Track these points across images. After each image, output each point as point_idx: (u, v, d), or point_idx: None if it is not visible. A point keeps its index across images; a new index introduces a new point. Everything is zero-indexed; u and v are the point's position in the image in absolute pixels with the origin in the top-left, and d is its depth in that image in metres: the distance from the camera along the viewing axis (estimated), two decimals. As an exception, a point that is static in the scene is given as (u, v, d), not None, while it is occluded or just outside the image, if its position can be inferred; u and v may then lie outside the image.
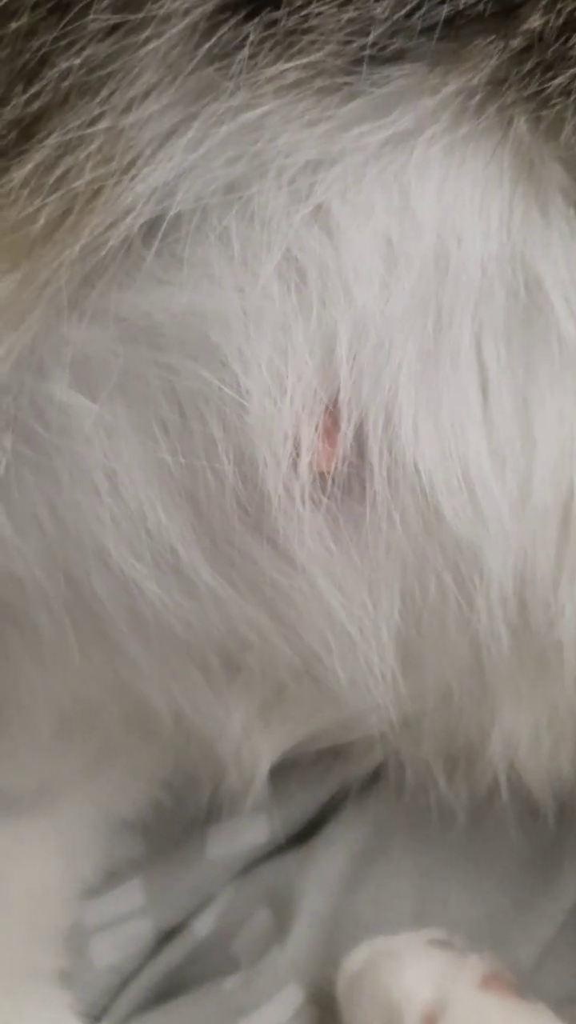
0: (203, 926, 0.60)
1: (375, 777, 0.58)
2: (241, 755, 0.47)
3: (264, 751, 0.48)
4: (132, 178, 0.35)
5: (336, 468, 0.38)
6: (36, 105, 0.35)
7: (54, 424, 0.39)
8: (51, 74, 0.34)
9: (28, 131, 0.35)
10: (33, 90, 0.35)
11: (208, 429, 0.38)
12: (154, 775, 0.58)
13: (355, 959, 0.52)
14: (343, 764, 0.57)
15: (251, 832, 0.60)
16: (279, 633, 0.42)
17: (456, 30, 0.35)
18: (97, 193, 0.35)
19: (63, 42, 0.34)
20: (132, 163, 0.35)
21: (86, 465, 0.38)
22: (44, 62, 0.35)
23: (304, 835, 0.60)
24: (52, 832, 0.57)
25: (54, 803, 0.57)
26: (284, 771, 0.54)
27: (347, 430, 0.37)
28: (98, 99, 0.35)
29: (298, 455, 0.38)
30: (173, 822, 0.61)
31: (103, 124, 0.35)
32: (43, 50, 0.34)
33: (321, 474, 0.39)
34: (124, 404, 0.38)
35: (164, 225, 0.36)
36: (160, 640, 0.43)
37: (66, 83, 0.35)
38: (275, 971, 0.54)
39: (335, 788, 0.59)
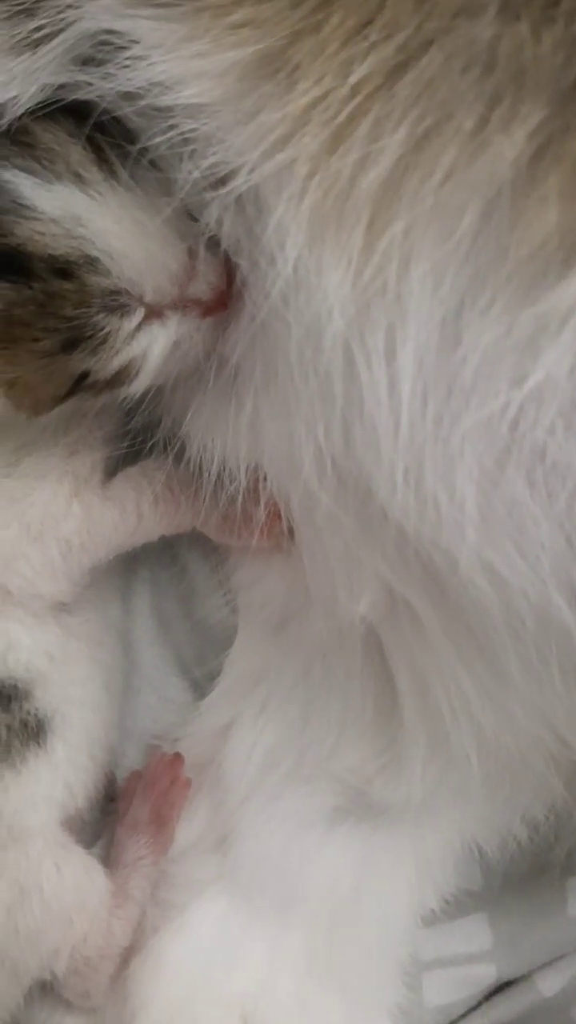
0: (549, 985, 0.53)
1: None
2: None
3: None
4: None
5: None
6: None
7: None
8: None
9: None
10: None
11: None
12: (528, 812, 0.52)
13: None
14: None
15: (624, 895, 0.53)
16: None
17: None
18: None
19: None
20: None
21: None
22: None
23: None
24: (410, 852, 0.52)
25: (419, 822, 0.51)
26: None
27: None
28: None
29: None
30: (524, 863, 0.55)
31: None
32: None
33: None
34: None
35: None
36: None
37: None
38: None
39: None
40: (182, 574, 0.55)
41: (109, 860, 0.50)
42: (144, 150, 0.36)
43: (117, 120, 0.38)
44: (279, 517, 0.47)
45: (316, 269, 0.34)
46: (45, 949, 0.46)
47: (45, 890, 0.45)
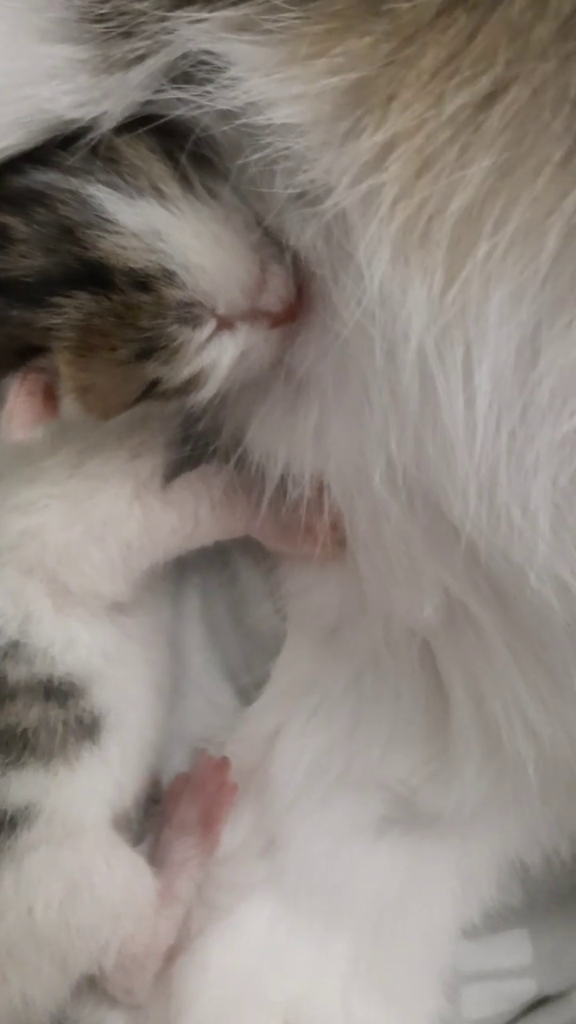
0: (588, 1002, 0.55)
1: None
2: None
3: None
4: None
5: None
6: None
7: None
8: None
9: None
10: None
11: None
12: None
13: None
14: None
15: None
16: None
17: None
18: None
19: None
20: None
21: None
22: None
23: None
24: (455, 864, 0.52)
25: (467, 833, 0.51)
26: None
27: None
28: None
29: None
30: (567, 880, 0.55)
31: None
32: None
33: None
34: None
35: None
36: None
37: None
38: None
39: None
40: (232, 581, 0.56)
41: (155, 860, 0.51)
42: (230, 167, 0.37)
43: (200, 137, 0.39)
44: (335, 527, 0.48)
45: (400, 288, 0.35)
46: (94, 944, 0.46)
47: (96, 886, 0.46)
